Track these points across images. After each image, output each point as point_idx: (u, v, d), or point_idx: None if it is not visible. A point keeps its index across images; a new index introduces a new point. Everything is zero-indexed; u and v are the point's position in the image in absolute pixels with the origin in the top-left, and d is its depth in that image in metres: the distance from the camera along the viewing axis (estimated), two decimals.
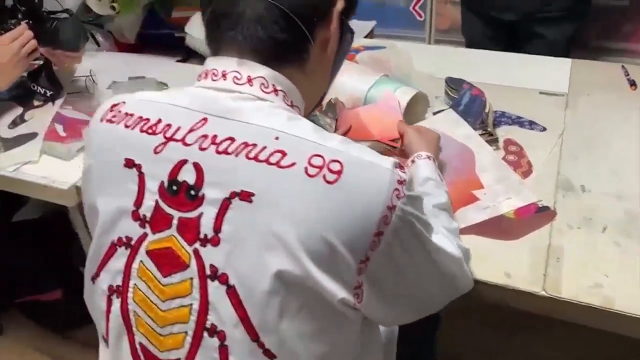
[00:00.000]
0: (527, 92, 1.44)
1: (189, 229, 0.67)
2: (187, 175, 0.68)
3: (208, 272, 0.66)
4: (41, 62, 1.47)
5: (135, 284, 0.71)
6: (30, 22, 1.37)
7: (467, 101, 1.28)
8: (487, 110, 1.26)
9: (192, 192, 0.67)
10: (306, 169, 0.64)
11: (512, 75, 1.52)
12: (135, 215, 0.70)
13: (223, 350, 0.66)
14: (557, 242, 0.99)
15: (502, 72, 1.54)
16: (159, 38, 1.84)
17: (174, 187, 0.68)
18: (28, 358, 1.82)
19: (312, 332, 0.67)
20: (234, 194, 0.65)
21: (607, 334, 0.90)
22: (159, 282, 0.69)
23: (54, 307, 1.81)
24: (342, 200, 0.64)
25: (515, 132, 1.28)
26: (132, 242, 0.71)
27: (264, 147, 0.66)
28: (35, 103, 1.46)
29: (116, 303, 0.72)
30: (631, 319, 0.86)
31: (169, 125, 0.71)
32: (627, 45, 2.31)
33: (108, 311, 0.74)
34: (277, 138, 0.66)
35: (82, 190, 0.79)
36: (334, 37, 0.76)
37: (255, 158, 0.66)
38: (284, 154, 0.65)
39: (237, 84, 0.71)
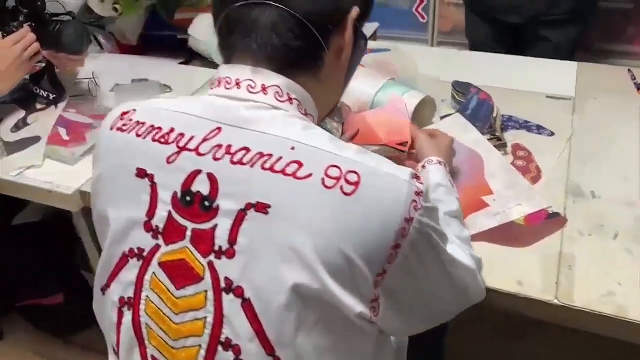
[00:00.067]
0: (534, 96, 1.43)
1: (204, 241, 0.66)
2: (201, 186, 0.67)
3: (223, 285, 0.65)
4: (43, 65, 1.46)
5: (147, 296, 0.70)
6: (33, 24, 1.36)
7: (475, 105, 1.28)
8: (495, 115, 1.26)
9: (207, 203, 0.66)
10: (323, 180, 0.63)
11: (518, 79, 1.51)
12: (148, 226, 0.69)
13: None
14: (568, 250, 0.98)
15: (507, 76, 1.53)
16: (161, 40, 1.82)
17: (188, 198, 0.67)
18: None
19: (328, 346, 0.66)
20: (249, 206, 0.64)
21: (615, 339, 0.90)
22: (172, 294, 0.68)
23: (54, 311, 1.79)
24: (360, 213, 0.63)
25: (523, 137, 1.27)
26: (145, 254, 0.70)
27: (280, 158, 0.65)
28: (38, 106, 1.44)
29: (128, 315, 0.71)
30: None
31: (182, 135, 0.69)
32: (631, 47, 2.30)
33: (119, 323, 0.72)
34: (293, 148, 0.65)
35: (92, 200, 0.78)
36: (348, 45, 0.75)
37: (271, 169, 0.64)
38: (300, 164, 0.64)
39: (252, 92, 0.70)
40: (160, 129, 0.71)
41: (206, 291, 0.66)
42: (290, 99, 0.71)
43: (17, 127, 1.37)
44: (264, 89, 0.70)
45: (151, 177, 0.70)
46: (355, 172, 0.63)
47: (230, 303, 0.65)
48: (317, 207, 0.63)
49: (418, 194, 0.65)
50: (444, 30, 2.57)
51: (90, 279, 1.70)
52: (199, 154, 0.68)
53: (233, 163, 0.66)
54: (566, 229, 1.02)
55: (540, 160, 1.20)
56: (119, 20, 1.73)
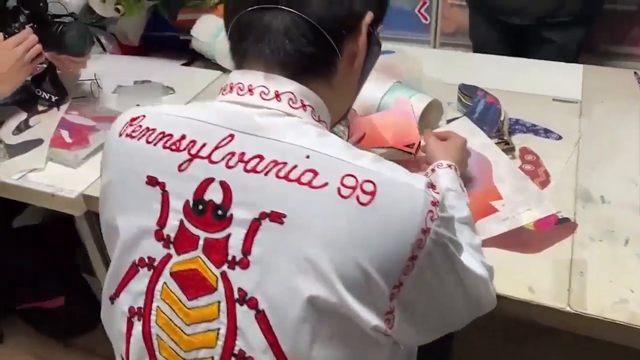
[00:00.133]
0: (540, 99, 1.42)
1: (216, 251, 0.65)
2: (214, 195, 0.66)
3: (236, 295, 0.64)
4: (45, 66, 1.44)
5: (158, 307, 0.68)
6: (35, 26, 1.34)
7: (482, 109, 1.27)
8: (502, 118, 1.25)
9: (220, 212, 0.65)
10: (339, 189, 0.62)
11: (523, 81, 1.51)
12: (159, 235, 0.68)
13: None
14: (579, 256, 0.97)
15: (512, 78, 1.52)
16: (162, 40, 1.81)
17: (200, 207, 0.66)
18: None
19: (343, 358, 0.65)
20: (263, 215, 0.63)
21: (628, 347, 0.89)
22: (184, 305, 0.66)
23: (55, 314, 1.78)
24: (376, 223, 0.61)
25: (530, 141, 1.26)
26: (155, 263, 0.68)
27: (295, 166, 0.64)
28: (40, 108, 1.42)
29: (137, 326, 0.70)
30: None
31: (193, 142, 0.68)
32: (635, 49, 2.30)
33: (129, 334, 0.71)
34: (307, 157, 0.64)
35: (100, 207, 0.77)
36: (362, 50, 0.74)
37: (286, 177, 0.63)
38: (315, 173, 0.63)
39: (265, 99, 0.69)
40: (171, 135, 0.70)
41: (219, 302, 0.65)
42: (303, 106, 0.70)
43: (18, 130, 1.35)
44: (277, 96, 0.69)
45: (162, 185, 0.68)
46: (371, 182, 0.62)
47: (244, 314, 0.64)
48: (333, 217, 0.62)
49: (434, 203, 0.64)
50: (447, 31, 2.56)
51: (91, 282, 1.69)
52: (212, 162, 0.66)
53: (246, 171, 0.65)
54: (576, 235, 1.01)
55: (548, 165, 1.19)
56: (121, 20, 1.72)
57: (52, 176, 1.24)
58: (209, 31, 1.62)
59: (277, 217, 0.63)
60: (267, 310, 0.63)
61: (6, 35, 1.31)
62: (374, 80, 1.32)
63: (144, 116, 0.74)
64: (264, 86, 0.69)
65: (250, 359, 0.64)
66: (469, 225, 0.91)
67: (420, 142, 1.17)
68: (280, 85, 0.69)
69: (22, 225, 1.82)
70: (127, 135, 0.73)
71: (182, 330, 0.67)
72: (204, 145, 0.68)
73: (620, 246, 0.99)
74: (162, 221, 0.68)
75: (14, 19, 1.37)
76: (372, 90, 1.28)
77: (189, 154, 0.68)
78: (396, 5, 2.54)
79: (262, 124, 0.67)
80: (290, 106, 0.69)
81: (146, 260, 0.69)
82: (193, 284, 0.66)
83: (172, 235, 0.67)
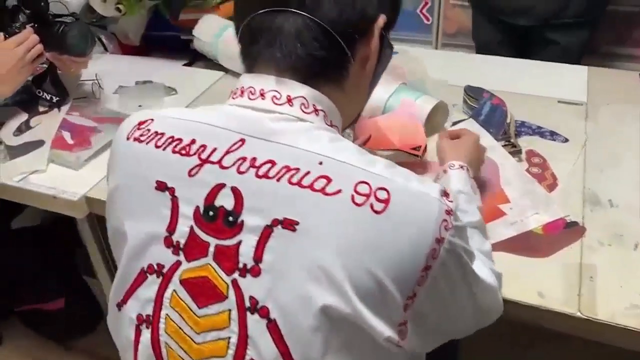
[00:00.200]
0: (545, 101, 1.41)
1: (227, 258, 0.64)
2: (225, 201, 0.64)
3: (247, 304, 0.63)
4: (45, 67, 1.43)
5: (167, 314, 0.67)
6: (36, 25, 1.32)
7: (488, 111, 1.26)
8: (508, 121, 1.24)
9: (231, 218, 0.64)
10: (353, 197, 0.61)
11: (528, 83, 1.50)
12: (168, 242, 0.67)
13: None
14: (588, 260, 0.96)
15: (516, 79, 1.52)
16: (163, 40, 1.79)
17: (211, 213, 0.65)
18: None
19: None
20: (276, 222, 0.62)
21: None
22: (194, 313, 0.65)
23: (55, 316, 1.76)
24: (390, 233, 0.60)
25: (536, 143, 1.25)
26: (164, 270, 0.67)
27: (308, 172, 0.62)
28: (41, 109, 1.40)
29: (146, 333, 0.69)
30: None
31: (203, 146, 0.67)
32: (637, 51, 2.29)
33: (136, 341, 0.70)
34: (321, 163, 0.63)
35: (107, 212, 0.76)
36: (374, 54, 0.73)
37: (299, 183, 0.62)
38: (329, 180, 0.62)
39: (276, 104, 0.68)
40: (180, 140, 0.68)
41: (230, 310, 0.63)
42: (316, 110, 0.69)
43: (19, 131, 1.34)
44: (290, 100, 0.68)
45: (172, 191, 0.67)
46: (385, 189, 0.61)
47: (255, 323, 0.62)
48: (347, 225, 0.61)
49: (448, 212, 0.63)
50: (449, 32, 2.55)
51: (92, 285, 1.67)
52: (222, 167, 0.65)
53: (258, 176, 0.64)
54: (585, 239, 1.01)
55: (555, 167, 1.18)
56: (122, 20, 1.70)
57: (54, 178, 1.22)
58: (211, 31, 1.61)
59: (289, 224, 0.61)
60: (279, 319, 0.62)
61: (7, 35, 1.29)
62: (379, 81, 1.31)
63: (152, 120, 0.72)
64: (276, 90, 0.68)
65: None
66: (479, 230, 0.89)
67: (426, 145, 1.16)
68: (292, 90, 0.68)
69: (21, 226, 1.80)
70: (135, 139, 0.71)
71: (191, 339, 0.66)
72: (214, 150, 0.66)
73: (630, 250, 0.98)
74: (171, 227, 0.67)
75: (13, 19, 1.36)
76: (378, 92, 1.26)
77: (200, 158, 0.66)
78: None
79: (274, 129, 0.66)
80: (303, 111, 0.68)
81: (155, 267, 0.68)
82: (203, 292, 0.65)
83: (182, 241, 0.66)
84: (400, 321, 0.64)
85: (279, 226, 0.62)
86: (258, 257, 0.62)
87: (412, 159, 1.15)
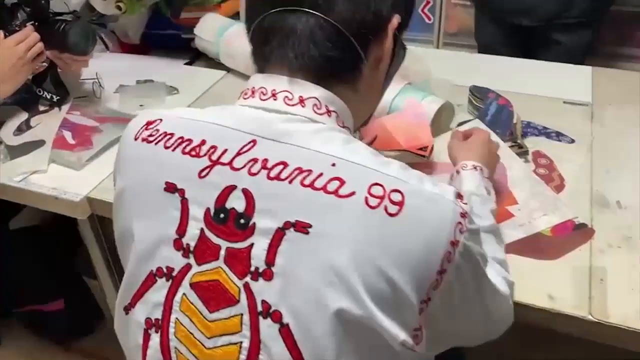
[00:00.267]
0: (550, 101, 1.40)
1: (239, 261, 0.62)
2: (236, 203, 0.63)
3: (260, 308, 0.61)
4: (45, 65, 1.41)
5: (177, 319, 0.66)
6: (36, 23, 1.31)
7: (494, 111, 1.25)
8: (515, 121, 1.23)
9: (242, 221, 0.63)
10: (366, 199, 0.60)
11: (532, 83, 1.48)
12: (178, 244, 0.65)
13: None
14: (598, 262, 0.95)
15: (520, 80, 1.50)
16: (163, 39, 1.78)
17: (222, 215, 0.64)
18: None
19: None
20: (288, 224, 0.61)
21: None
22: (205, 317, 0.64)
23: (54, 317, 1.74)
24: (404, 236, 0.59)
25: (543, 144, 1.24)
26: (174, 273, 0.66)
27: (320, 174, 0.61)
28: (41, 108, 1.39)
29: (155, 338, 0.67)
30: None
31: (214, 147, 0.66)
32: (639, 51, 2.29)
33: (145, 346, 0.68)
34: (334, 164, 0.62)
35: (114, 214, 0.74)
36: (387, 55, 0.72)
37: (312, 185, 0.61)
38: (342, 182, 0.61)
39: (289, 104, 0.66)
40: (190, 140, 0.67)
41: (242, 314, 0.62)
42: (328, 112, 0.67)
43: (19, 130, 1.32)
44: (302, 101, 0.66)
45: (182, 192, 0.66)
46: (399, 191, 0.60)
47: (268, 328, 0.61)
48: (361, 228, 0.59)
49: (463, 215, 0.62)
50: (450, 31, 2.54)
51: (92, 286, 1.66)
52: (233, 169, 0.64)
53: (270, 178, 0.62)
54: (594, 241, 1.00)
55: (562, 168, 1.17)
56: (121, 18, 1.69)
57: (55, 178, 1.21)
58: (213, 30, 1.59)
59: (302, 227, 0.60)
60: (292, 324, 0.60)
61: (7, 34, 1.28)
62: None
63: (160, 120, 0.71)
64: (288, 91, 0.67)
65: None
66: (493, 235, 0.87)
67: (432, 145, 1.15)
68: (305, 90, 0.67)
69: (19, 227, 1.78)
70: (143, 139, 0.70)
71: (202, 344, 0.64)
72: (225, 151, 0.65)
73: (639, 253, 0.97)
74: (181, 229, 0.65)
75: (12, 16, 1.34)
76: None
77: (210, 160, 0.65)
78: None
79: (286, 130, 0.65)
80: (315, 112, 0.67)
81: (164, 270, 0.66)
82: (214, 296, 0.63)
83: (192, 244, 0.65)
84: (415, 326, 0.62)
85: (292, 229, 0.61)
86: (270, 261, 0.61)
87: (419, 160, 1.14)
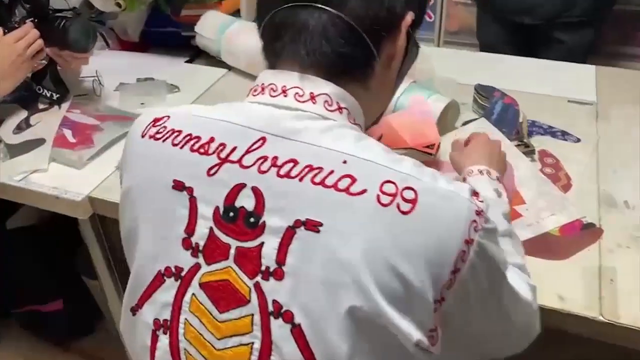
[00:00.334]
0: (555, 100, 1.39)
1: (249, 260, 0.61)
2: (245, 201, 0.62)
3: (271, 308, 0.60)
4: (45, 63, 1.39)
5: (186, 319, 0.64)
6: (36, 20, 1.29)
7: (500, 110, 1.24)
8: (521, 120, 1.22)
9: (252, 220, 0.61)
10: (378, 197, 0.58)
11: (536, 82, 1.48)
12: (187, 244, 0.64)
13: None
14: (608, 262, 0.94)
15: (524, 78, 1.49)
16: (162, 36, 1.76)
17: (231, 214, 0.62)
18: None
19: None
20: (299, 223, 0.59)
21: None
22: (215, 318, 0.63)
23: (53, 317, 1.73)
24: (417, 234, 0.58)
25: (549, 143, 1.23)
26: (183, 273, 0.64)
27: (331, 172, 0.60)
28: (41, 106, 1.37)
29: (164, 339, 0.66)
30: None
31: (223, 145, 0.64)
32: None
33: (153, 347, 0.67)
34: (345, 162, 0.60)
35: (120, 213, 0.73)
36: (400, 52, 0.70)
37: (322, 183, 0.60)
38: (353, 179, 0.59)
39: (299, 101, 0.65)
40: (198, 138, 0.66)
41: (252, 315, 0.61)
42: (339, 108, 0.66)
43: (19, 128, 1.30)
44: (313, 98, 0.65)
45: (190, 190, 0.64)
46: (412, 189, 0.59)
47: (279, 328, 0.60)
48: (373, 226, 0.58)
49: (478, 213, 0.60)
50: (451, 29, 2.53)
51: (92, 286, 1.64)
52: (243, 166, 0.63)
53: (280, 176, 0.61)
54: (603, 241, 0.99)
55: (568, 168, 1.16)
56: (121, 15, 1.67)
57: (56, 177, 1.19)
58: (214, 28, 1.58)
59: (312, 226, 0.59)
60: (304, 324, 0.59)
61: (6, 30, 1.26)
62: None
63: (168, 117, 0.70)
64: (299, 87, 0.65)
65: None
66: (510, 237, 0.83)
67: (439, 143, 1.14)
68: (316, 87, 0.65)
69: (17, 226, 1.76)
70: (150, 136, 0.69)
71: (212, 345, 0.63)
72: (234, 148, 0.64)
73: None
74: (190, 228, 0.64)
75: (11, 13, 1.32)
76: None
77: (219, 157, 0.64)
78: None
79: (296, 127, 0.63)
80: (326, 109, 0.65)
81: (173, 269, 0.65)
82: (224, 296, 0.62)
83: (201, 243, 0.63)
84: (431, 326, 0.61)
85: (302, 227, 0.59)
86: (281, 260, 0.60)
87: (425, 158, 1.13)
